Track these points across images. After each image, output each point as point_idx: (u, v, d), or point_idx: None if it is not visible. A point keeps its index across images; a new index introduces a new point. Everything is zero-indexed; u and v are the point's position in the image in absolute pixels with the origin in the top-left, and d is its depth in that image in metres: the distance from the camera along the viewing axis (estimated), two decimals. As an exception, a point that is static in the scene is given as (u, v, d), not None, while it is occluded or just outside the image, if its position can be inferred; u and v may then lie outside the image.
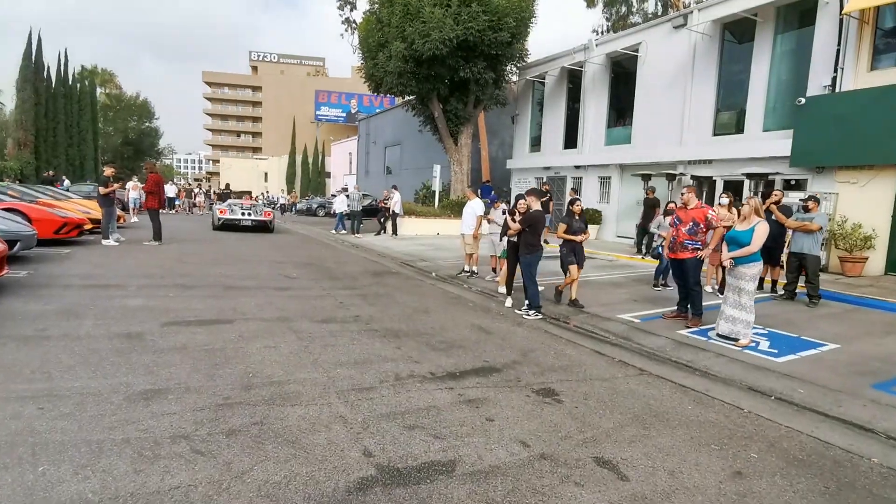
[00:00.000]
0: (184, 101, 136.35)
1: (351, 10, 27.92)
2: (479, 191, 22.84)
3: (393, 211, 17.43)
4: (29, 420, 3.04)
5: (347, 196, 18.48)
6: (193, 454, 2.79)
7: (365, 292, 7.84)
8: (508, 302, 7.59)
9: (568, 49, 18.76)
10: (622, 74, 17.18)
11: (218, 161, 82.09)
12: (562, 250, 7.42)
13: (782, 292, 8.28)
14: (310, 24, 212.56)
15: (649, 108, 15.55)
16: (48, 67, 32.17)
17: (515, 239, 7.31)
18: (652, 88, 15.43)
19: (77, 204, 14.15)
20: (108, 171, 11.61)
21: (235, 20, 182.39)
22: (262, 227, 17.24)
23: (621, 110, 17.32)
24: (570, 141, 19.20)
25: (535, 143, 21.17)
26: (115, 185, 11.95)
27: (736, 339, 5.48)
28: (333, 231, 18.05)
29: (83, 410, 3.21)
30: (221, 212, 17.05)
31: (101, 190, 11.30)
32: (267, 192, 50.29)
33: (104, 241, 11.23)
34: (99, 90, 44.37)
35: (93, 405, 3.29)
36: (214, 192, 37.52)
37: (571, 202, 7.60)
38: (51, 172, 27.22)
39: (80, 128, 35.52)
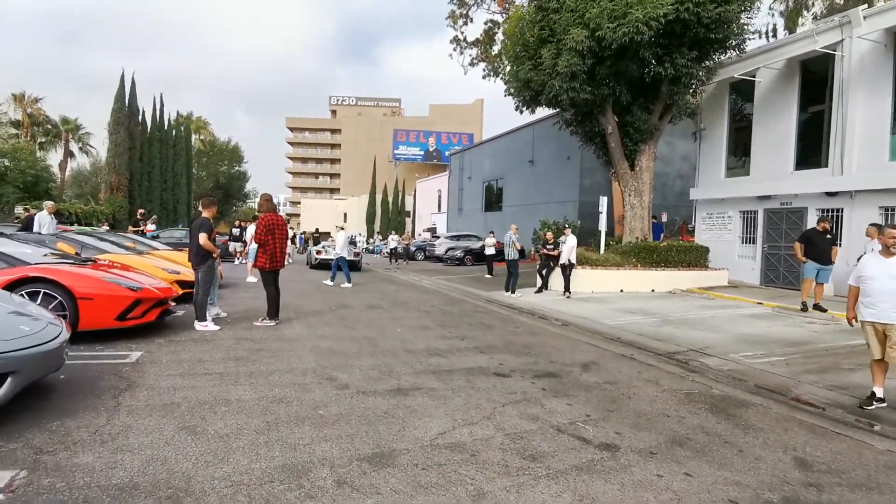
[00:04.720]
0: (267, 148, 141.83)
1: (465, 24, 24.37)
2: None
3: (569, 261, 12.48)
4: None
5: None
6: None
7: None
8: None
9: (803, 31, 13.46)
10: (917, 54, 11.58)
11: (298, 203, 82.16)
12: None
13: None
14: (381, 71, 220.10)
15: None
16: (143, 112, 30.98)
17: None
18: None
19: (161, 258, 10.31)
20: (207, 210, 7.28)
21: (318, 75, 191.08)
22: (352, 266, 18.39)
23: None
24: (809, 159, 13.58)
25: (738, 165, 15.68)
26: (223, 238, 7.80)
27: None
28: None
29: None
30: (318, 253, 19.64)
31: (202, 241, 6.88)
32: (360, 234, 47.62)
33: (198, 325, 6.95)
34: (193, 137, 43.92)
35: None
36: (304, 234, 34.50)
37: None
38: (140, 212, 19.84)
39: (175, 172, 34.13)
